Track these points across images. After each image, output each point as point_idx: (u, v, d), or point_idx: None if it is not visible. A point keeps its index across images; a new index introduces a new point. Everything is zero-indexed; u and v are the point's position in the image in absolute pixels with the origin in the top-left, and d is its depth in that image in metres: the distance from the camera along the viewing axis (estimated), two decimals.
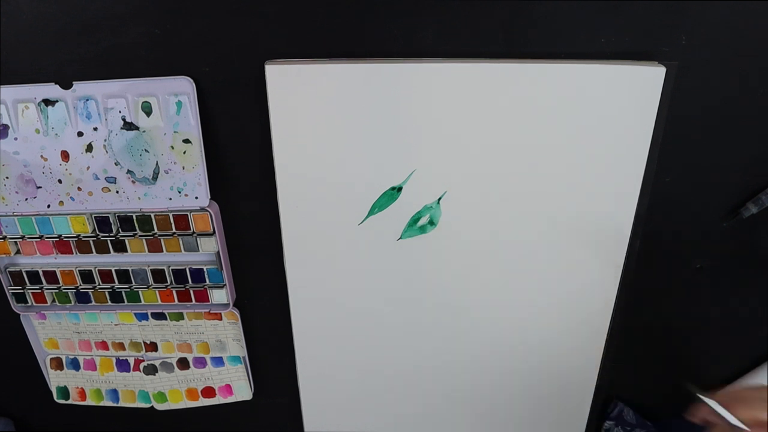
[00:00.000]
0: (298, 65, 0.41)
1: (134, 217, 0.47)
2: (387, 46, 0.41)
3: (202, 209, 0.47)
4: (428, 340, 0.52)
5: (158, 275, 0.50)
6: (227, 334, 0.54)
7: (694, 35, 0.40)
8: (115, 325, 0.54)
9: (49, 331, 0.55)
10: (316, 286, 0.50)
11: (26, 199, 0.47)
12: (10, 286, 0.52)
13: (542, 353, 0.53)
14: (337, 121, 0.42)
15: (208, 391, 0.57)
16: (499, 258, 0.48)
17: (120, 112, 0.43)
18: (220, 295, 0.51)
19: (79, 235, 0.48)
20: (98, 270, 0.50)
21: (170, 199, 0.47)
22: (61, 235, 0.49)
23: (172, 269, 0.50)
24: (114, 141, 0.45)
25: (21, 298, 0.52)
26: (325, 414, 0.58)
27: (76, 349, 0.56)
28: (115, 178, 0.46)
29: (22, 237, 0.49)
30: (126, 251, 0.49)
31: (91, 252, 0.49)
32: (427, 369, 0.54)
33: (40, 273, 0.51)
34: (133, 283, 0.51)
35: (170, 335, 0.54)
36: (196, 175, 0.45)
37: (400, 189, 0.45)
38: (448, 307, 0.50)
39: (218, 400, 0.58)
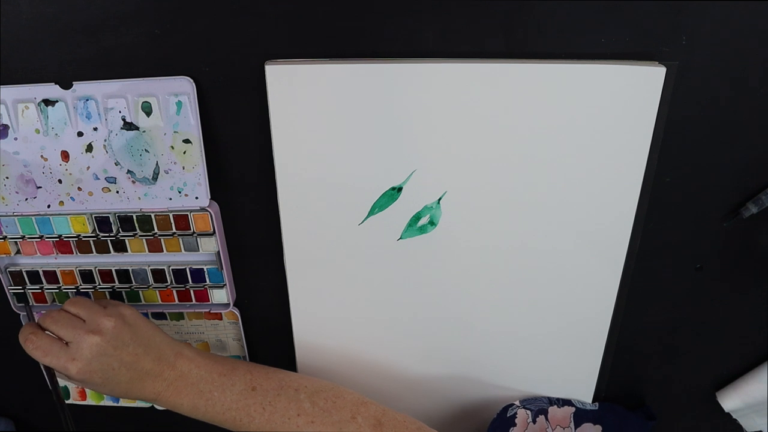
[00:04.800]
0: (298, 65, 0.41)
1: (134, 217, 0.47)
2: (387, 46, 0.41)
3: (202, 209, 0.47)
4: (428, 340, 0.52)
5: (158, 275, 0.50)
6: (227, 333, 0.54)
7: (694, 35, 0.40)
8: None
9: None
10: (316, 286, 0.50)
11: (26, 199, 0.47)
12: (11, 286, 0.52)
13: (542, 353, 0.53)
14: (337, 121, 0.42)
15: None
16: (499, 258, 0.48)
17: (120, 112, 0.43)
18: (220, 295, 0.51)
19: (80, 235, 0.48)
20: (98, 270, 0.50)
21: (170, 199, 0.47)
22: (61, 235, 0.49)
23: (172, 269, 0.50)
24: (114, 141, 0.45)
25: (21, 298, 0.52)
26: None
27: None
28: (115, 178, 0.46)
29: (23, 237, 0.49)
30: (126, 251, 0.49)
31: (92, 252, 0.49)
32: (427, 369, 0.54)
33: (41, 273, 0.51)
34: (134, 283, 0.51)
35: (171, 335, 0.54)
36: (196, 175, 0.45)
37: (400, 189, 0.45)
38: (449, 307, 0.50)
39: None
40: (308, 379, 0.47)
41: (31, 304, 0.52)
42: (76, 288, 0.51)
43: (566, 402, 0.54)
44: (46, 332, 0.43)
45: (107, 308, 0.44)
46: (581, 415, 0.54)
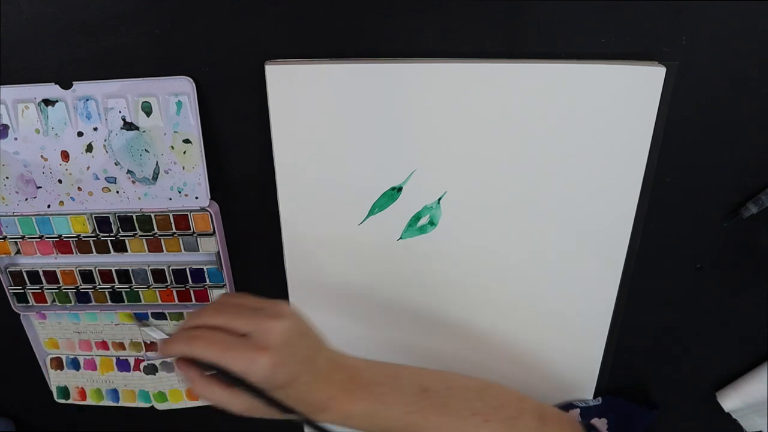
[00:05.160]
0: (298, 65, 0.41)
1: (134, 217, 0.47)
2: (387, 46, 0.41)
3: (202, 209, 0.47)
4: (428, 340, 0.52)
5: (158, 275, 0.50)
6: None
7: (694, 35, 0.40)
8: (116, 324, 0.54)
9: (50, 331, 0.55)
10: (316, 286, 0.50)
11: (26, 199, 0.47)
12: (11, 286, 0.52)
13: (542, 353, 0.53)
14: (337, 121, 0.42)
15: None
16: (499, 258, 0.48)
17: (120, 112, 0.43)
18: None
19: (79, 235, 0.48)
20: (98, 270, 0.50)
21: (170, 199, 0.47)
22: (61, 235, 0.49)
23: (172, 269, 0.50)
24: (114, 141, 0.45)
25: (21, 298, 0.52)
26: None
27: (77, 348, 0.56)
28: (115, 178, 0.46)
29: (22, 237, 0.49)
30: (126, 251, 0.49)
31: (91, 252, 0.49)
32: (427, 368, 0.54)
33: (41, 273, 0.51)
34: (134, 283, 0.51)
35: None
36: (196, 175, 0.45)
37: (400, 189, 0.45)
38: (448, 307, 0.50)
39: None
40: (468, 378, 0.43)
41: (30, 303, 0.52)
42: (76, 288, 0.51)
43: (568, 406, 0.54)
44: None
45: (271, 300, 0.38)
46: (587, 414, 0.54)
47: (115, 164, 0.45)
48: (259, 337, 0.34)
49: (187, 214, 0.47)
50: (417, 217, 0.46)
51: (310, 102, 0.42)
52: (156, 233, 0.48)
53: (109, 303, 0.52)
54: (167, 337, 0.36)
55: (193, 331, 0.34)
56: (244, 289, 0.52)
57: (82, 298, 0.52)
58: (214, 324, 0.35)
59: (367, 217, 0.46)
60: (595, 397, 0.55)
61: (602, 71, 0.40)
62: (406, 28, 0.41)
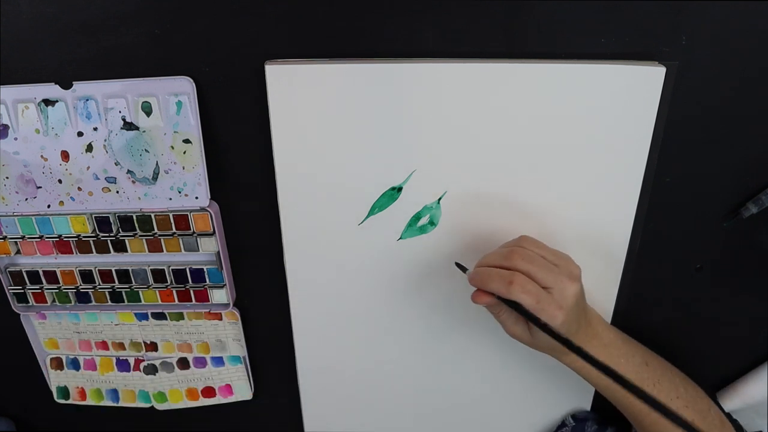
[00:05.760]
0: (298, 65, 0.41)
1: (134, 217, 0.47)
2: (387, 46, 0.41)
3: (202, 209, 0.47)
4: (428, 340, 0.52)
5: (158, 275, 0.50)
6: (227, 333, 0.54)
7: (694, 35, 0.40)
8: (116, 325, 0.54)
9: (50, 331, 0.55)
10: (316, 286, 0.50)
11: (26, 199, 0.47)
12: (11, 286, 0.52)
13: (542, 353, 0.52)
14: (337, 121, 0.42)
15: (208, 391, 0.57)
16: None
17: (120, 112, 0.43)
18: (220, 295, 0.51)
19: (79, 235, 0.48)
20: (98, 270, 0.50)
21: (170, 199, 0.47)
22: (61, 235, 0.49)
23: (172, 269, 0.50)
24: (114, 141, 0.45)
25: (21, 298, 0.52)
26: (325, 414, 0.58)
27: (77, 349, 0.56)
28: (115, 178, 0.46)
29: (22, 237, 0.49)
30: (126, 251, 0.49)
31: (91, 252, 0.49)
32: (427, 369, 0.54)
33: (41, 273, 0.51)
34: (133, 283, 0.51)
35: (170, 335, 0.54)
36: (196, 175, 0.45)
37: (400, 189, 0.45)
38: (448, 307, 0.50)
39: (218, 400, 0.58)
40: (669, 363, 0.46)
41: (30, 304, 0.52)
42: (76, 288, 0.51)
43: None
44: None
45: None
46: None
47: (115, 164, 0.45)
48: (558, 295, 0.39)
49: (187, 214, 0.47)
50: (417, 217, 0.46)
51: (310, 102, 0.42)
52: (156, 233, 0.48)
53: (109, 303, 0.52)
54: (479, 270, 0.41)
55: (509, 275, 0.39)
56: (244, 290, 0.52)
57: (82, 298, 0.52)
58: (524, 270, 0.39)
59: (367, 217, 0.46)
60: (594, 401, 0.55)
61: (602, 71, 0.40)
62: (406, 28, 0.41)
